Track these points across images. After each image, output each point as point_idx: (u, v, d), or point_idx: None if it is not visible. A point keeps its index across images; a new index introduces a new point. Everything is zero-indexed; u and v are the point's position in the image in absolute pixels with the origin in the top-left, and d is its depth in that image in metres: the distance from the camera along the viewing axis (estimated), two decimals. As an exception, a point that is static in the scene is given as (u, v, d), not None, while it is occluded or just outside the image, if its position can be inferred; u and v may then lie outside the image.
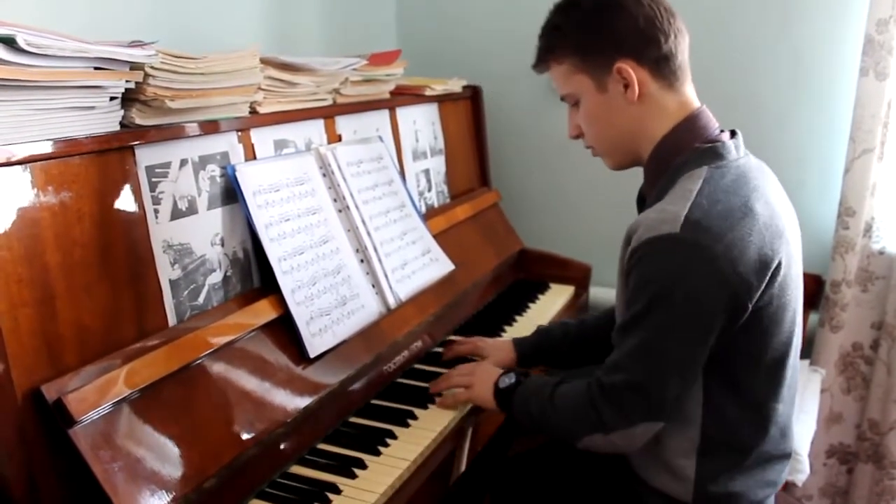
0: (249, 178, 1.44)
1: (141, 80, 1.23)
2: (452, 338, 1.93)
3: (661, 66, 1.30)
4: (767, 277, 1.21)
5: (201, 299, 1.36)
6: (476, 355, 1.76)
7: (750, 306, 1.20)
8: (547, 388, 1.39)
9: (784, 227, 1.27)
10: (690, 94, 1.35)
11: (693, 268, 1.17)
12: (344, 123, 1.81)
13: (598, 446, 1.31)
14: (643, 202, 1.41)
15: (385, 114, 1.99)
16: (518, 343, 1.75)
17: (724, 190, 1.23)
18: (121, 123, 1.24)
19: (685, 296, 1.18)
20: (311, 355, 1.44)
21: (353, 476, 1.34)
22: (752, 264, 1.19)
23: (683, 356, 1.22)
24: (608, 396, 1.26)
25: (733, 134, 1.35)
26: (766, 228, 1.22)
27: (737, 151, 1.30)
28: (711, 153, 1.28)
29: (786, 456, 1.38)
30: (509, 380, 1.47)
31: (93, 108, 1.17)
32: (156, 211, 1.27)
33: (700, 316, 1.19)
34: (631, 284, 1.24)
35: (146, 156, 1.26)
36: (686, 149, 1.29)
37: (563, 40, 1.34)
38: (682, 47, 1.32)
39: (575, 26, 1.32)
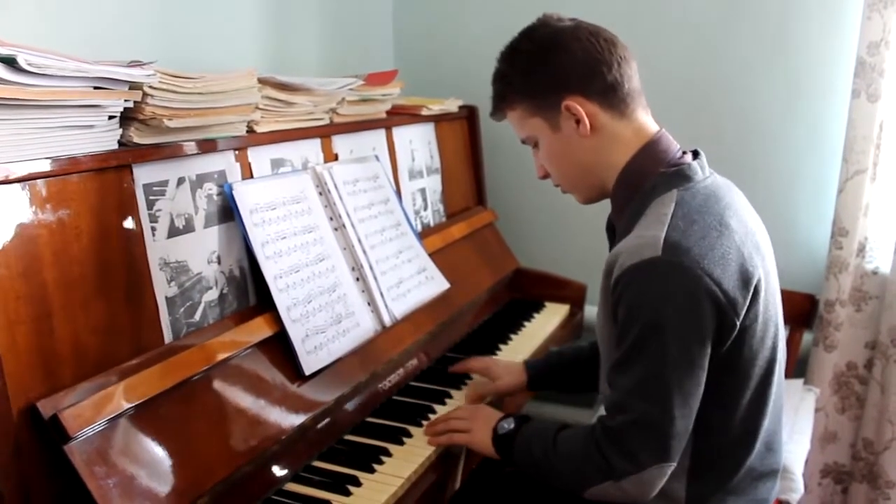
0: (246, 197, 1.45)
1: (139, 99, 1.24)
2: (452, 355, 1.94)
3: (609, 96, 1.31)
4: (751, 293, 1.22)
5: (197, 317, 1.37)
6: (487, 375, 1.75)
7: (738, 323, 1.21)
8: (549, 433, 1.35)
9: (759, 241, 1.28)
10: (646, 119, 1.35)
11: (679, 289, 1.17)
12: (340, 143, 1.82)
13: (609, 495, 1.26)
14: (612, 230, 1.42)
15: (381, 133, 2.01)
16: (530, 366, 1.74)
17: (697, 210, 1.24)
18: (119, 142, 1.25)
19: (675, 319, 1.17)
20: (307, 373, 1.45)
21: (348, 493, 1.35)
22: (736, 281, 1.20)
23: (683, 384, 1.19)
24: (613, 439, 1.22)
25: (696, 154, 1.36)
26: (744, 244, 1.23)
27: (703, 172, 1.32)
28: (678, 176, 1.29)
29: (773, 472, 1.38)
30: (508, 425, 1.42)
31: (92, 126, 1.19)
32: (153, 229, 1.28)
33: (692, 337, 1.18)
34: (620, 317, 1.22)
35: (144, 174, 1.27)
36: (651, 174, 1.30)
37: (511, 87, 1.37)
38: (629, 74, 1.32)
39: (519, 72, 1.35)
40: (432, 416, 1.62)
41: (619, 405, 1.23)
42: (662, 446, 1.20)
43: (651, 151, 1.32)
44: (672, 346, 1.18)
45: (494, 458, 1.44)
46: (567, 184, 1.42)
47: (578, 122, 1.31)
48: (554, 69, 1.31)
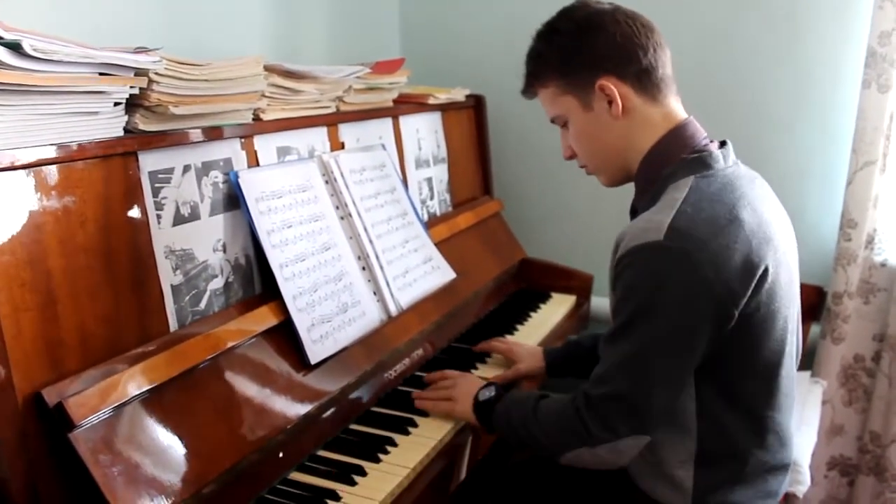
0: (252, 185, 1.45)
1: (145, 86, 1.23)
2: (458, 345, 1.94)
3: (643, 79, 1.31)
4: (753, 284, 1.21)
5: (203, 305, 1.36)
6: (509, 357, 1.82)
7: (736, 313, 1.20)
8: (529, 401, 1.39)
9: (773, 234, 1.27)
10: (676, 105, 1.36)
11: (677, 275, 1.18)
12: (347, 131, 1.81)
13: (584, 461, 1.31)
14: (635, 214, 1.41)
15: (388, 122, 2.00)
16: (548, 352, 1.80)
17: (710, 198, 1.23)
18: (125, 129, 1.24)
19: (669, 304, 1.18)
20: (312, 362, 1.45)
21: (353, 483, 1.34)
22: (737, 271, 1.19)
23: (668, 366, 1.22)
24: (594, 409, 1.26)
25: (723, 144, 1.35)
26: (753, 235, 1.22)
27: (725, 161, 1.31)
28: (698, 162, 1.29)
29: (784, 466, 1.37)
30: (489, 392, 1.48)
31: (97, 113, 1.18)
32: (158, 216, 1.28)
33: (684, 324, 1.19)
34: (617, 294, 1.25)
35: (149, 161, 1.26)
36: (673, 159, 1.31)
37: (546, 65, 1.38)
38: (663, 60, 1.34)
39: (556, 51, 1.36)
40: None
41: (602, 377, 1.26)
42: (639, 420, 1.24)
43: (676, 137, 1.33)
44: (661, 330, 1.20)
45: (476, 425, 1.50)
46: (593, 165, 1.42)
47: (611, 102, 1.32)
48: (591, 49, 1.32)
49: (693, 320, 1.19)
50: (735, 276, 1.19)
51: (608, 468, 1.33)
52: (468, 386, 1.55)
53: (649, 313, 1.20)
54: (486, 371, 1.80)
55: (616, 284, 1.25)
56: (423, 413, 1.58)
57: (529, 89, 1.43)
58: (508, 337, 2.00)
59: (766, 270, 1.23)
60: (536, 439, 1.36)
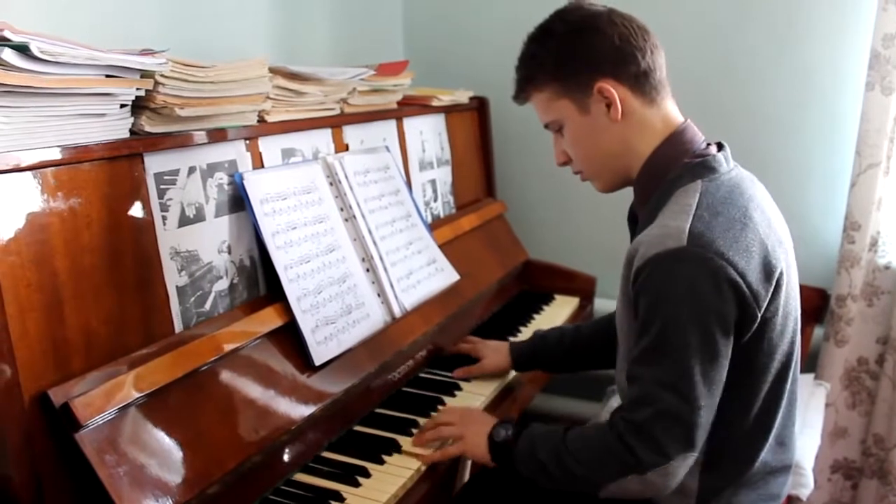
0: (257, 186, 1.45)
1: (151, 88, 1.24)
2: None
3: (641, 82, 1.30)
4: (773, 286, 1.21)
5: (208, 306, 1.36)
6: (474, 355, 1.82)
7: (759, 315, 1.20)
8: (555, 434, 1.32)
9: (781, 236, 1.28)
10: (672, 108, 1.35)
11: (704, 281, 1.15)
12: (351, 133, 1.82)
13: (630, 491, 1.24)
14: (634, 220, 1.40)
15: (392, 124, 2.00)
16: (514, 347, 1.80)
17: (722, 202, 1.22)
18: (130, 131, 1.25)
19: (699, 309, 1.16)
20: (317, 363, 1.45)
21: (357, 484, 1.35)
22: (759, 274, 1.19)
23: (708, 373, 1.18)
24: (640, 433, 1.20)
25: (720, 147, 1.34)
26: (767, 237, 1.22)
27: (727, 164, 1.31)
28: (703, 167, 1.28)
29: (786, 468, 1.37)
30: (505, 431, 1.39)
31: (103, 115, 1.18)
32: (164, 218, 1.28)
33: (716, 328, 1.16)
34: (642, 307, 1.21)
35: (155, 163, 1.27)
36: (677, 164, 1.29)
37: (541, 68, 1.35)
38: (660, 63, 1.32)
39: (551, 53, 1.33)
40: (442, 408, 1.62)
41: (644, 398, 1.20)
42: (688, 437, 1.19)
43: (677, 141, 1.31)
44: (696, 337, 1.16)
45: (488, 466, 1.41)
46: (589, 170, 1.40)
47: (609, 106, 1.30)
48: (588, 51, 1.30)
49: (724, 323, 1.17)
50: (758, 279, 1.18)
51: (654, 496, 1.26)
52: (478, 423, 1.44)
53: (681, 322, 1.16)
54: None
55: (639, 298, 1.21)
56: (427, 415, 1.58)
57: (521, 94, 1.40)
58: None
59: (781, 273, 1.23)
60: (572, 473, 1.28)
